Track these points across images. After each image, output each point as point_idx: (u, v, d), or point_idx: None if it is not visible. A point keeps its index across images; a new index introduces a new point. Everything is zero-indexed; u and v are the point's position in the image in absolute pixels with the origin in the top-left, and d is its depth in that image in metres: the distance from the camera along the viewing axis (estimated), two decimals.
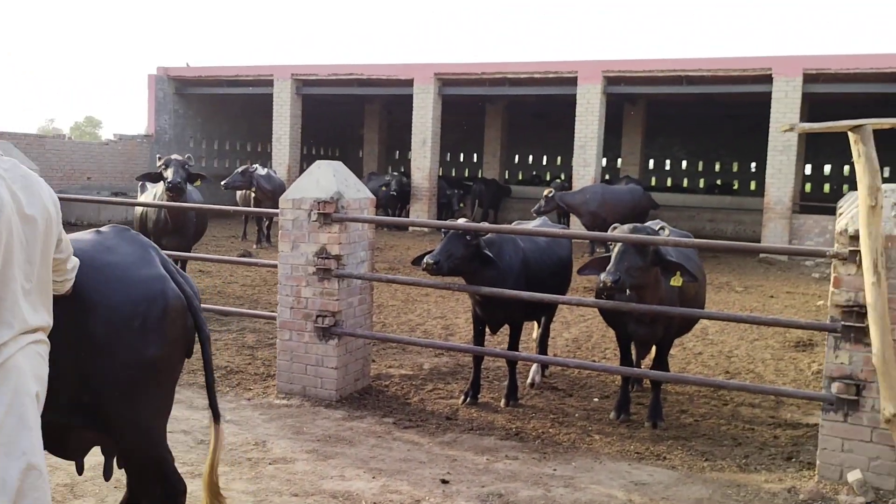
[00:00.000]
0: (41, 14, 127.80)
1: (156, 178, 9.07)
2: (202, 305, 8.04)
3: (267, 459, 4.93)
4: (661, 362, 6.15)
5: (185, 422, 5.57)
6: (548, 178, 29.32)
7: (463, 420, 5.93)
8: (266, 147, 25.67)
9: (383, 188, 21.22)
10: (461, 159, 32.95)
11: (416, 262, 6.07)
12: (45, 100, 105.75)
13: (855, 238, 4.61)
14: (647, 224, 6.07)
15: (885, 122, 4.43)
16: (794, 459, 5.31)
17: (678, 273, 5.54)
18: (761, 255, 17.87)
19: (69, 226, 16.48)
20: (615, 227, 5.88)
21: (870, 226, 4.44)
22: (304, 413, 5.89)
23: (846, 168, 28.29)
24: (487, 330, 6.64)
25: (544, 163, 32.09)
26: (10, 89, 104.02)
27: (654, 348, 6.21)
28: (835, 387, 4.71)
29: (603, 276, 5.23)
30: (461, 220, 6.12)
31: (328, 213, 5.95)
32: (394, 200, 21.19)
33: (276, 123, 22.81)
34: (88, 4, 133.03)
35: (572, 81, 19.66)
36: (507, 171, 29.26)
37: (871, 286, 4.43)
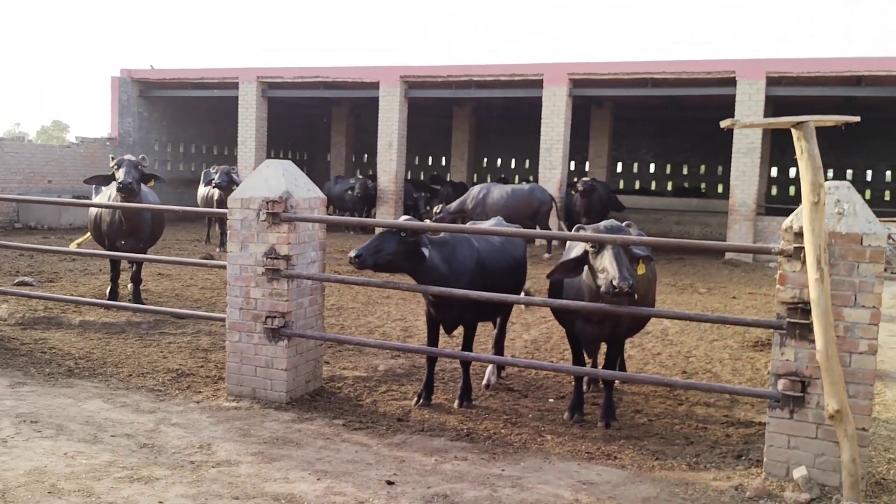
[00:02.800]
0: (5, 16, 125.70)
1: (107, 179, 8.89)
2: (157, 308, 7.87)
3: (210, 462, 4.82)
4: (611, 361, 6.13)
5: (129, 425, 5.44)
6: (516, 180, 29.36)
7: (414, 421, 5.86)
8: (232, 150, 25.41)
9: (349, 191, 21.11)
10: (429, 162, 32.91)
11: None
12: (11, 104, 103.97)
13: (799, 235, 4.62)
14: (613, 223, 5.98)
15: (827, 120, 4.45)
16: (743, 457, 5.31)
17: (640, 261, 5.51)
18: (726, 257, 18.04)
19: (29, 229, 16.19)
20: (580, 228, 5.81)
21: (813, 222, 4.45)
22: (252, 415, 5.78)
23: None
24: (443, 331, 6.59)
25: (512, 166, 32.16)
26: None
27: (604, 347, 6.20)
28: (781, 384, 4.71)
29: (617, 281, 5.07)
30: (403, 218, 6.06)
31: (277, 212, 5.86)
32: (360, 203, 21.06)
33: (241, 126, 22.59)
34: (54, 6, 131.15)
35: (538, 84, 19.71)
36: (474, 174, 29.27)
37: (814, 282, 4.44)
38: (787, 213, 20.19)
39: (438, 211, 16.95)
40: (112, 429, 5.35)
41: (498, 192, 16.99)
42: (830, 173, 28.28)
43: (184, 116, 25.51)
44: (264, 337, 5.99)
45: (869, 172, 28.43)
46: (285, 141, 29.93)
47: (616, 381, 7.00)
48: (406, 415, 6.01)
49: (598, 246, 5.40)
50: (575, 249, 5.95)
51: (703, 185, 29.96)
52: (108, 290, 9.62)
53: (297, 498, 4.34)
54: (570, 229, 18.84)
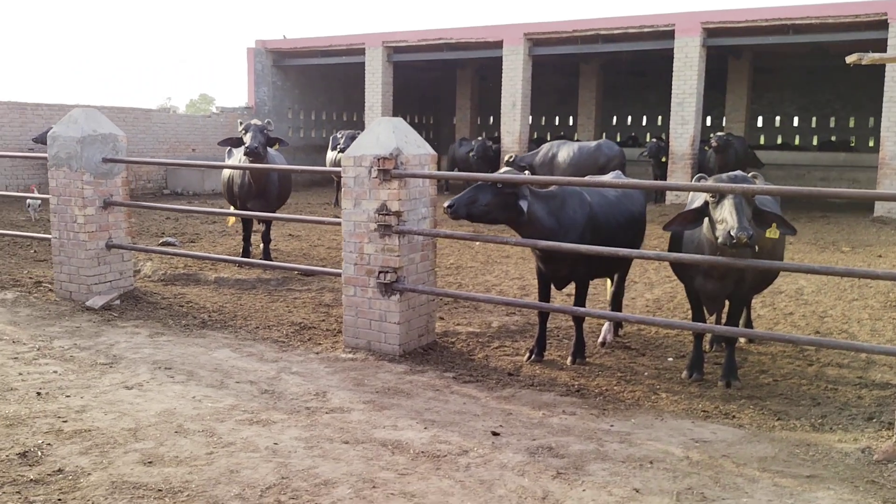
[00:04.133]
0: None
1: (237, 142, 9.33)
2: (282, 264, 8.10)
3: (325, 409, 5.01)
4: (734, 319, 5.85)
5: (253, 373, 5.74)
6: (647, 138, 28.39)
7: (525, 376, 5.85)
8: (360, 116, 25.98)
9: (471, 153, 21.11)
10: (556, 122, 32.35)
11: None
12: (164, 79, 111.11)
13: None
14: (736, 173, 5.64)
15: None
16: (874, 420, 4.97)
17: (774, 225, 5.19)
18: (875, 214, 16.78)
19: (176, 195, 17.37)
20: (701, 178, 5.54)
21: None
22: (367, 366, 5.96)
23: None
24: (557, 289, 6.51)
25: (643, 123, 31.09)
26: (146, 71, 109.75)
27: (727, 304, 5.93)
28: None
29: (735, 231, 4.82)
30: (503, 170, 5.99)
31: (387, 168, 5.94)
32: (481, 165, 21.01)
33: (368, 92, 23.03)
34: None
35: (669, 35, 18.88)
36: (603, 133, 28.54)
37: None
38: None
39: (510, 159, 16.80)
40: (237, 375, 5.67)
41: (566, 149, 16.58)
42: None
43: (314, 84, 26.29)
44: (377, 291, 6.14)
45: None
46: (412, 105, 30.27)
47: (741, 340, 6.72)
48: (517, 370, 6.01)
49: (719, 196, 5.14)
50: (697, 201, 5.70)
51: (852, 139, 27.85)
52: (241, 250, 10.14)
53: (404, 444, 4.45)
54: None
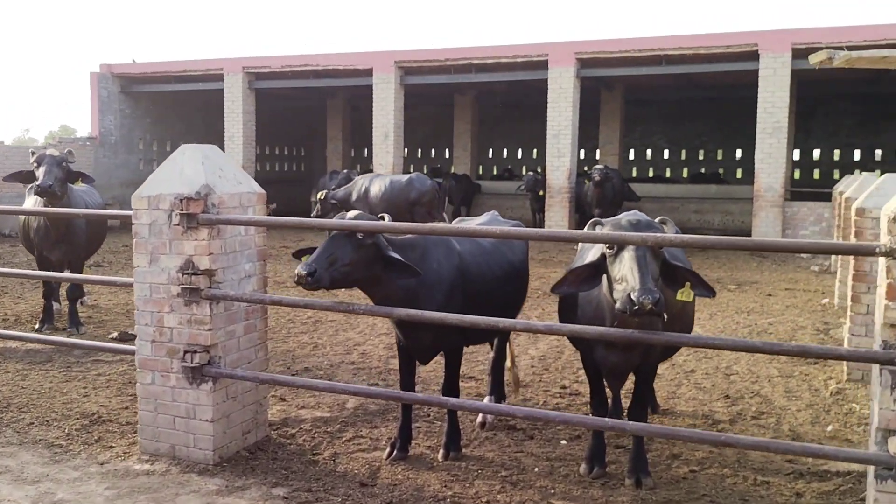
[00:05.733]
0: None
1: (30, 177, 7.49)
2: (53, 338, 6.17)
3: None
4: (641, 399, 4.67)
5: None
6: (522, 171, 27.87)
7: (382, 486, 4.43)
8: (222, 146, 24.03)
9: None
10: (432, 154, 31.40)
11: (298, 256, 4.49)
12: (20, 110, 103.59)
13: None
14: (639, 217, 4.43)
15: None
16: None
17: (688, 285, 4.03)
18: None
19: (2, 237, 14.56)
20: (597, 224, 4.30)
21: None
22: (166, 484, 4.37)
23: (837, 152, 27.09)
24: (419, 362, 5.14)
25: (519, 156, 30.63)
26: None
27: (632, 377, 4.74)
28: (893, 444, 3.26)
29: (637, 295, 3.63)
30: (351, 213, 4.61)
31: (193, 213, 4.43)
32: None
33: (228, 120, 21.20)
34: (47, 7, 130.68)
35: (543, 65, 18.23)
36: (479, 166, 27.76)
37: None
38: (816, 197, 18.63)
39: (322, 197, 15.44)
40: None
41: (379, 183, 15.41)
42: (857, 154, 26.66)
43: (170, 113, 24.15)
44: (183, 378, 4.58)
45: None
46: (281, 136, 28.52)
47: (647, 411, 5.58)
48: (373, 474, 4.59)
49: (617, 247, 3.95)
50: (590, 252, 4.50)
51: (721, 171, 28.35)
52: (42, 309, 8.25)
53: None
54: (581, 223, 17.39)
